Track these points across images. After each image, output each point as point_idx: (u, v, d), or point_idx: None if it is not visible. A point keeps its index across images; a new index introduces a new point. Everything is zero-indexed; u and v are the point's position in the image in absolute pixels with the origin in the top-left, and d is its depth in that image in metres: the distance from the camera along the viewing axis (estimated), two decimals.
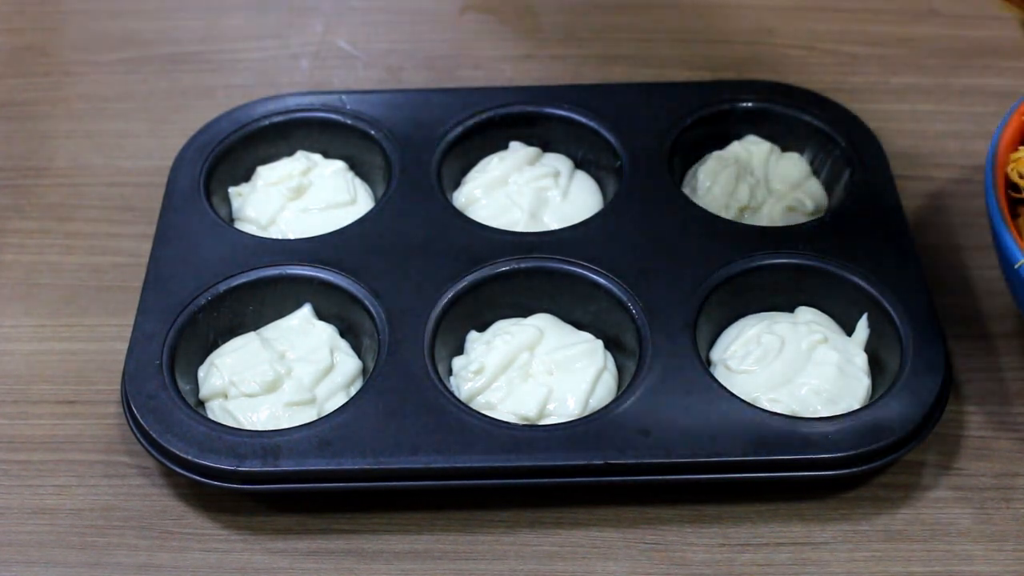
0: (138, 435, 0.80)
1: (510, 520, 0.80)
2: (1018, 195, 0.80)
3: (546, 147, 0.97)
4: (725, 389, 0.80)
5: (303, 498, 0.80)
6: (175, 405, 0.80)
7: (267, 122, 0.97)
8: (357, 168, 0.98)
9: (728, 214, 0.92)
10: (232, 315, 0.87)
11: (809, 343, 0.83)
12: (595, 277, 0.86)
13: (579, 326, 0.87)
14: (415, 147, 0.95)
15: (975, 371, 0.87)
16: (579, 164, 0.97)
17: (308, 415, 0.81)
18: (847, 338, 0.85)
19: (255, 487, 0.77)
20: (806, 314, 0.86)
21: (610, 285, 0.86)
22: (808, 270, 0.86)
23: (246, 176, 0.97)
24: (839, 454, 0.77)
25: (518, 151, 0.96)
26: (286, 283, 0.87)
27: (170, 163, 0.95)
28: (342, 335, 0.87)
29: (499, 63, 1.11)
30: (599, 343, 0.85)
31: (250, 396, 0.82)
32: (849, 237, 0.88)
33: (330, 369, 0.84)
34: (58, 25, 1.17)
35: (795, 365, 0.82)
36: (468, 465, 0.77)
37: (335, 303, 0.87)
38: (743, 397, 0.80)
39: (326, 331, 0.86)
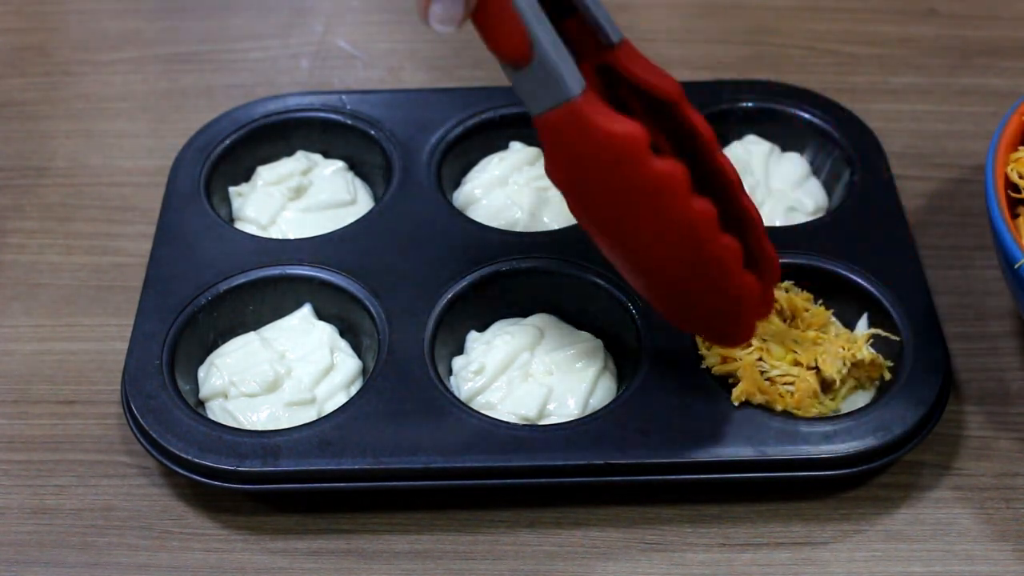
0: (138, 435, 0.80)
1: (510, 520, 0.80)
2: (1018, 195, 0.80)
3: None
4: (725, 389, 0.80)
5: (303, 498, 0.80)
6: (175, 405, 0.80)
7: (267, 122, 0.97)
8: (357, 168, 0.98)
9: None
10: (232, 315, 0.87)
11: None
12: (595, 277, 0.86)
13: (579, 326, 0.87)
14: (415, 147, 0.95)
15: (975, 371, 0.87)
16: None
17: (308, 415, 0.81)
18: None
19: (255, 487, 0.77)
20: None
21: (610, 285, 0.85)
22: (808, 270, 0.86)
23: (246, 176, 0.97)
24: (839, 454, 0.77)
25: (518, 151, 0.96)
26: (286, 283, 0.87)
27: (170, 163, 0.95)
28: (342, 335, 0.87)
29: (499, 63, 1.11)
30: (599, 343, 0.85)
31: (250, 396, 0.82)
32: (849, 237, 0.88)
33: (330, 369, 0.84)
34: (58, 25, 1.17)
35: None
36: (468, 465, 0.77)
37: (335, 303, 0.87)
38: None
39: (326, 331, 0.86)
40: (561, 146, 0.70)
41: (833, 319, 0.84)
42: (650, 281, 0.75)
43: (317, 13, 1.17)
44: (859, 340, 0.81)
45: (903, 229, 0.89)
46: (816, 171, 0.96)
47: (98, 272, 0.94)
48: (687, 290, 0.74)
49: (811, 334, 0.81)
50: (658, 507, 0.80)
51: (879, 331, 0.82)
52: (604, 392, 0.83)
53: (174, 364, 0.83)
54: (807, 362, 0.80)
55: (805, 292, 0.84)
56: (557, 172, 0.72)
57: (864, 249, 0.87)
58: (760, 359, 0.80)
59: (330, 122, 0.98)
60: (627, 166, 0.69)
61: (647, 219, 0.70)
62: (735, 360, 0.80)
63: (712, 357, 0.81)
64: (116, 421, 0.85)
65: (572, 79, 0.68)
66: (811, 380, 0.79)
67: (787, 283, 0.84)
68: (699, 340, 0.82)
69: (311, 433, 0.78)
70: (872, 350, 0.81)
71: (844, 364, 0.80)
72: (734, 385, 0.80)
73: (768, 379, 0.80)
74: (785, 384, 0.80)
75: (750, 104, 0.98)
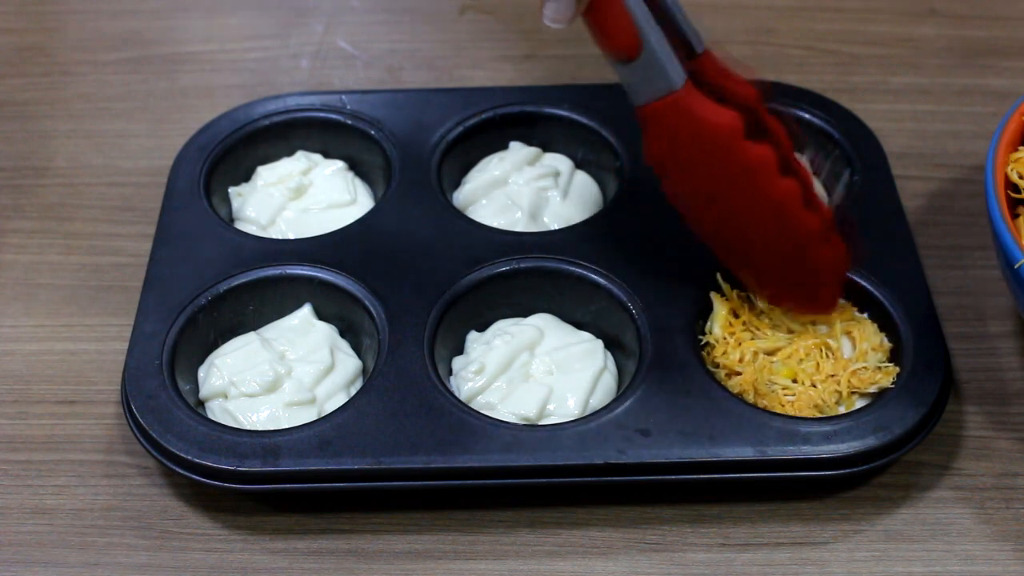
0: (138, 435, 0.80)
1: (510, 520, 0.80)
2: (1018, 195, 0.80)
3: (546, 147, 0.97)
4: (725, 389, 0.80)
5: (303, 498, 0.80)
6: (175, 405, 0.80)
7: (267, 122, 0.97)
8: (357, 168, 0.98)
9: None
10: (232, 315, 0.87)
11: None
12: (595, 277, 0.86)
13: (579, 326, 0.87)
14: (415, 147, 0.95)
15: (975, 371, 0.87)
16: (579, 164, 0.97)
17: (308, 415, 0.81)
18: None
19: (255, 487, 0.77)
20: None
21: (610, 285, 0.86)
22: None
23: (246, 176, 0.97)
24: (839, 454, 0.77)
25: (518, 151, 0.96)
26: (286, 283, 0.87)
27: (170, 163, 0.95)
28: (342, 335, 0.87)
29: (499, 63, 1.11)
30: (599, 343, 0.85)
31: (250, 396, 0.82)
32: (849, 237, 0.88)
33: (330, 369, 0.84)
34: (58, 25, 1.17)
35: None
36: (468, 465, 0.77)
37: (335, 303, 0.87)
38: None
39: (326, 331, 0.86)
40: (663, 133, 0.77)
41: (857, 314, 0.85)
42: (740, 254, 0.83)
43: (317, 13, 1.17)
44: (854, 369, 0.81)
45: (903, 229, 0.89)
46: (816, 171, 0.96)
47: (98, 272, 0.94)
48: (774, 260, 0.81)
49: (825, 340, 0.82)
50: (658, 507, 0.80)
51: (880, 362, 0.82)
52: (604, 392, 0.82)
53: (174, 364, 0.83)
54: (806, 381, 0.81)
55: None
56: (657, 156, 0.79)
57: (864, 249, 0.87)
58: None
59: (330, 122, 0.98)
60: (725, 150, 0.76)
61: (740, 196, 0.78)
62: (738, 375, 0.81)
63: (721, 370, 0.82)
64: (116, 421, 0.85)
65: (676, 73, 0.75)
66: (812, 395, 0.80)
67: None
68: (705, 355, 0.82)
69: (311, 433, 0.78)
70: (874, 364, 0.81)
71: (840, 396, 0.80)
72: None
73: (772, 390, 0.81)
74: (787, 396, 0.80)
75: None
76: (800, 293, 0.83)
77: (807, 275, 0.82)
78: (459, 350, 0.86)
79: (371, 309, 0.85)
